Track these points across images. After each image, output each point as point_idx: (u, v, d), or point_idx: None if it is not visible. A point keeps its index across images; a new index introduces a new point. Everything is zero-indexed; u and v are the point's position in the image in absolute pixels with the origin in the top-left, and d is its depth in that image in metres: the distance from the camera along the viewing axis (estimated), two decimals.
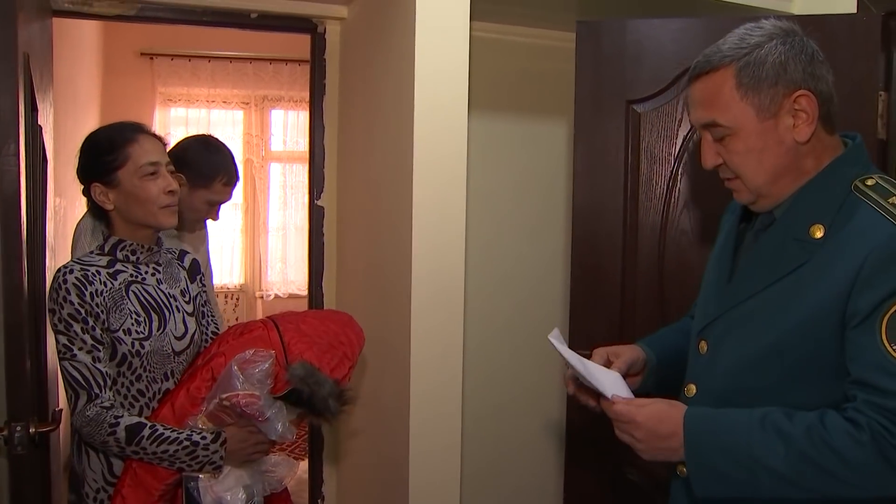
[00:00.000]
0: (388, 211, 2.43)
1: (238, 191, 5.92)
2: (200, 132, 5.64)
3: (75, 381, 1.66)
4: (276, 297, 6.16)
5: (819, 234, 1.28)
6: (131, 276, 1.78)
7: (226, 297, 6.11)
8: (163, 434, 1.66)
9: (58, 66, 3.00)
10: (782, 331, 1.28)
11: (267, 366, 1.67)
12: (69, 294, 1.67)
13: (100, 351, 1.68)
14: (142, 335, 1.74)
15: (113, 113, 5.13)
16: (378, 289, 2.57)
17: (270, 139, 6.14)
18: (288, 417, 1.72)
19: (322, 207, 3.06)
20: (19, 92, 1.69)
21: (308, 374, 1.69)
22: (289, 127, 6.17)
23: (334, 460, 3.16)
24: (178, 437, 1.67)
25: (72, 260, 1.76)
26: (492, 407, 3.02)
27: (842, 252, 1.24)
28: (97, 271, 1.73)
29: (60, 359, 1.68)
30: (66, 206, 3.47)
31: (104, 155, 1.76)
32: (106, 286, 1.72)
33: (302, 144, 5.82)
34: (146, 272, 1.81)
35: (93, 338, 1.67)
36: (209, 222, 2.62)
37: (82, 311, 1.67)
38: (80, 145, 1.85)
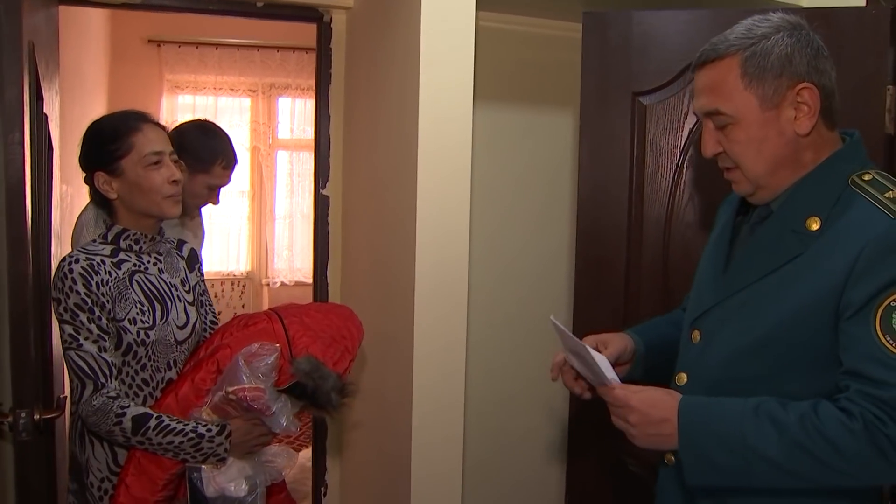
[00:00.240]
0: (393, 201, 2.43)
1: (245, 178, 6.02)
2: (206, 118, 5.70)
3: (81, 371, 1.66)
4: (283, 284, 6.20)
5: (815, 226, 1.30)
6: (134, 265, 1.78)
7: (232, 284, 6.15)
8: (169, 425, 1.67)
9: (65, 54, 3.01)
10: (777, 321, 1.31)
11: (272, 359, 1.69)
12: (75, 283, 1.66)
13: (105, 341, 1.68)
14: (146, 324, 1.74)
15: (120, 100, 5.14)
16: (382, 279, 2.57)
17: (277, 127, 6.16)
18: (292, 411, 1.73)
19: (327, 197, 3.06)
20: (24, 81, 1.69)
21: (313, 368, 1.70)
22: (296, 115, 6.18)
23: (338, 450, 3.17)
24: (183, 429, 1.68)
25: (76, 249, 1.75)
26: (494, 399, 3.02)
27: (837, 244, 1.26)
28: (102, 260, 1.73)
29: (66, 348, 1.67)
30: (73, 193, 3.48)
31: (108, 144, 1.76)
32: (111, 275, 1.72)
33: (309, 132, 5.82)
34: (148, 261, 1.82)
35: (99, 327, 1.68)
36: (208, 220, 2.63)
37: (88, 300, 1.67)
38: (83, 133, 1.84)
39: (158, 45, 5.64)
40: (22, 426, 1.74)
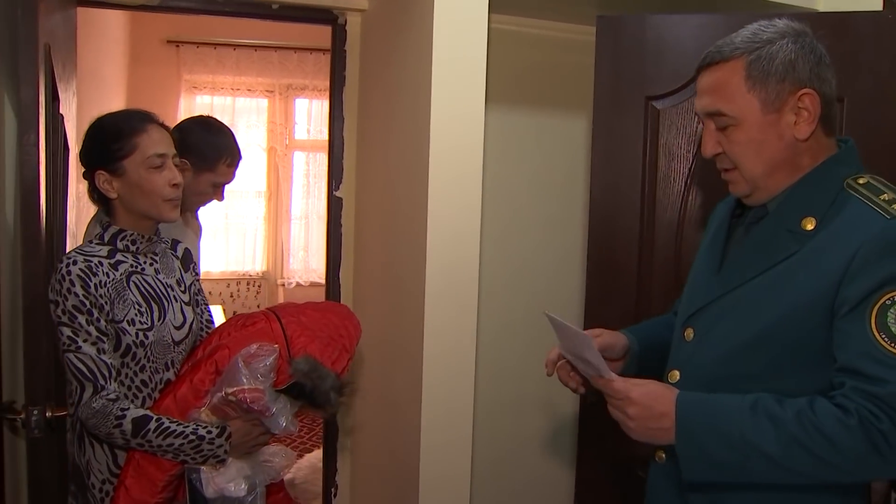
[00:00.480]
0: (404, 202, 2.43)
1: (262, 179, 6.06)
2: (226, 120, 5.74)
3: (80, 374, 1.64)
4: (298, 285, 6.22)
5: (811, 226, 1.33)
6: (131, 266, 1.76)
7: (248, 284, 6.18)
8: (168, 427, 1.66)
9: (83, 54, 3.04)
10: (772, 318, 1.33)
11: (271, 360, 1.68)
12: (73, 285, 1.64)
13: (104, 342, 1.66)
14: (145, 325, 1.73)
15: (138, 100, 5.19)
16: (393, 281, 2.58)
17: (294, 128, 6.18)
18: (291, 411, 1.74)
19: (340, 198, 3.07)
20: (39, 83, 1.72)
21: (312, 368, 1.70)
22: (313, 116, 6.20)
23: (348, 451, 3.19)
24: (183, 431, 1.67)
25: (73, 251, 1.73)
26: (503, 401, 3.02)
27: (833, 243, 1.29)
28: (99, 262, 1.71)
29: (64, 351, 1.65)
30: None
31: (111, 143, 1.73)
32: (109, 277, 1.70)
33: (325, 133, 5.85)
34: (145, 262, 1.80)
35: (97, 329, 1.66)
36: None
37: (87, 302, 1.65)
38: (85, 129, 1.82)
39: (177, 46, 5.67)
40: (34, 423, 1.77)
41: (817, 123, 1.35)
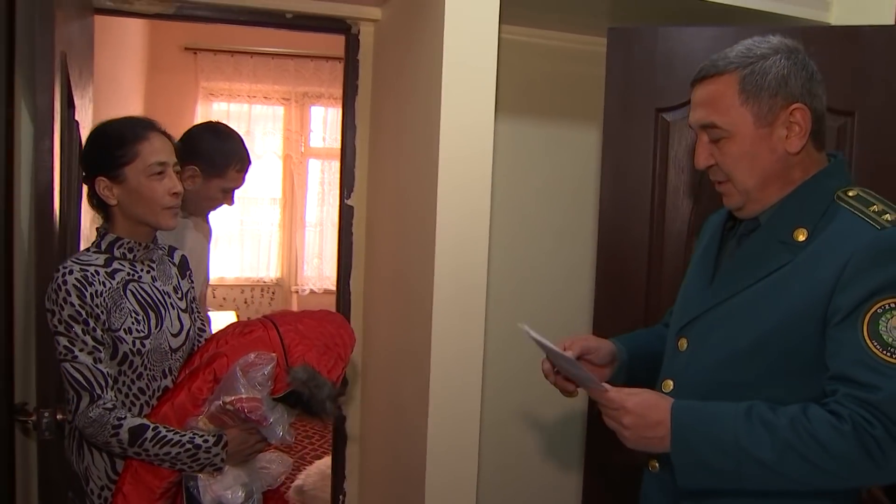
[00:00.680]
0: (414, 211, 2.45)
1: (277, 186, 6.09)
2: (242, 127, 5.79)
3: (77, 383, 1.65)
4: (312, 292, 6.24)
5: (802, 237, 1.36)
6: (128, 274, 1.76)
7: (262, 290, 6.21)
8: (165, 436, 1.66)
9: (101, 61, 3.08)
10: (765, 328, 1.35)
11: (269, 369, 1.69)
12: (69, 295, 1.64)
13: (101, 352, 1.67)
14: (142, 333, 1.73)
15: (156, 106, 5.24)
16: (402, 288, 2.60)
17: (310, 135, 6.21)
18: (288, 420, 1.75)
19: (352, 206, 3.09)
20: (55, 90, 1.74)
21: (310, 377, 1.70)
22: (328, 124, 6.23)
23: (357, 458, 3.20)
24: (180, 440, 1.67)
25: (70, 259, 1.73)
26: (510, 409, 3.02)
27: (825, 253, 1.31)
28: (95, 271, 1.70)
29: (61, 360, 1.65)
30: None
31: (113, 149, 1.73)
32: (105, 286, 1.70)
33: None
34: (142, 270, 1.80)
35: (94, 339, 1.66)
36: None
37: (83, 312, 1.65)
38: (87, 135, 1.83)
39: (195, 53, 5.73)
40: (45, 425, 1.78)
41: (808, 138, 1.38)
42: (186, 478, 1.71)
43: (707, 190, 2.34)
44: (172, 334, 1.80)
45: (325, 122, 6.25)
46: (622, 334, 1.78)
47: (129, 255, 1.78)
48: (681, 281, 2.35)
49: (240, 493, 1.71)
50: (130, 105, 4.73)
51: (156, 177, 1.74)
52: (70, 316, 1.64)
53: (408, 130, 2.56)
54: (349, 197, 3.09)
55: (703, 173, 2.32)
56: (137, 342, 1.72)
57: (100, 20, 2.79)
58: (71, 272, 1.67)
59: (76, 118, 2.17)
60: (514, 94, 2.88)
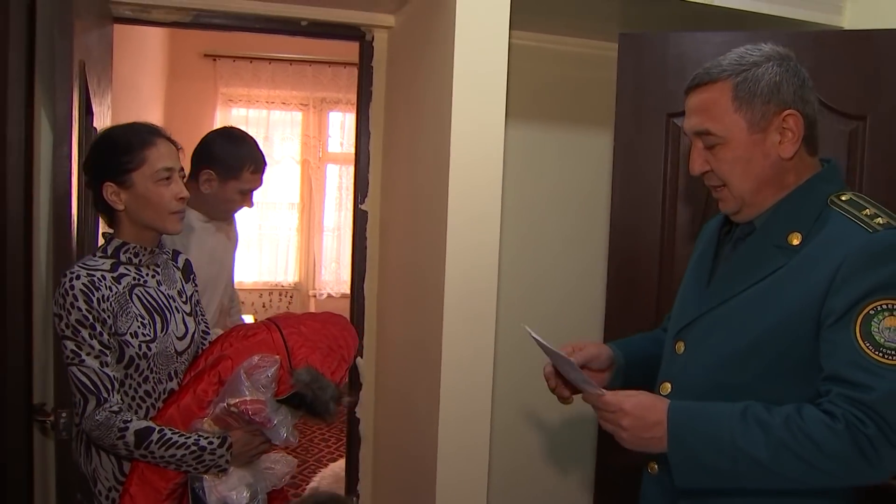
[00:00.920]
0: (426, 216, 2.47)
1: (295, 191, 6.14)
2: (260, 132, 5.84)
3: (84, 387, 1.67)
4: (329, 296, 6.28)
5: (796, 241, 1.38)
6: (134, 278, 1.78)
7: (280, 294, 6.26)
8: (171, 439, 1.68)
9: (121, 69, 3.13)
10: (760, 330, 1.37)
11: (273, 371, 1.70)
12: (76, 300, 1.66)
13: (107, 356, 1.69)
14: (148, 337, 1.75)
15: (175, 113, 5.31)
16: (413, 292, 2.62)
17: (328, 141, 6.26)
18: (291, 422, 1.76)
19: (366, 211, 3.12)
20: (73, 99, 1.79)
21: (313, 379, 1.72)
22: (346, 129, 6.27)
23: (370, 460, 3.22)
24: (185, 442, 1.69)
25: (76, 264, 1.75)
26: (521, 412, 3.03)
27: (819, 256, 1.34)
28: (102, 276, 1.72)
29: (68, 364, 1.68)
30: None
31: (121, 155, 1.75)
32: (111, 290, 1.72)
33: None
34: (147, 274, 1.82)
35: (100, 343, 1.68)
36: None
37: (90, 316, 1.67)
38: (93, 141, 1.85)
39: (214, 60, 5.79)
40: (63, 425, 1.83)
41: (801, 143, 1.40)
42: (192, 479, 1.73)
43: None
44: (178, 338, 1.83)
45: (342, 128, 6.29)
46: (620, 339, 1.81)
47: (135, 260, 1.80)
48: None
49: (245, 494, 1.73)
50: (150, 112, 4.79)
51: (163, 182, 1.76)
52: (77, 320, 1.66)
53: (420, 136, 2.58)
54: (363, 202, 3.12)
55: None
56: (143, 346, 1.74)
57: (121, 28, 2.84)
58: (78, 277, 1.69)
59: (94, 125, 2.22)
60: (525, 99, 2.90)
